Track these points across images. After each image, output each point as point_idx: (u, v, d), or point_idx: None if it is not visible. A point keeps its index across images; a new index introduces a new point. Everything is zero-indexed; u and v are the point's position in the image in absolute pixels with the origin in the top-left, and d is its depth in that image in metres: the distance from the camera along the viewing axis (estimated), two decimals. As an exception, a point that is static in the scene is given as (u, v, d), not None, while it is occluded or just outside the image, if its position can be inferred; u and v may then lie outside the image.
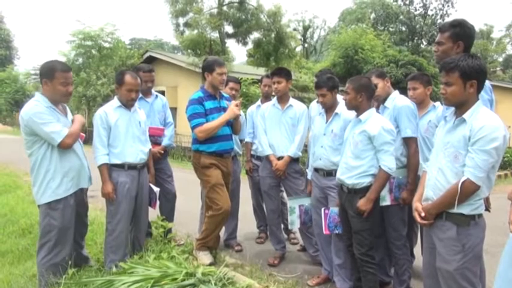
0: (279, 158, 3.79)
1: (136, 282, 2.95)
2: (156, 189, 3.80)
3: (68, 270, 3.15)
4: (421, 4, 25.08)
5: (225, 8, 14.19)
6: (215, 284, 2.98)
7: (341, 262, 3.26)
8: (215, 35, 14.26)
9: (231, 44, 48.18)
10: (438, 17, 24.55)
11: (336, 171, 3.14)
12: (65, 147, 3.06)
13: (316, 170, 3.46)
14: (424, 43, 24.10)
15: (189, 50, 14.13)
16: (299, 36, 30.25)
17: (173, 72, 16.00)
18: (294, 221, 3.73)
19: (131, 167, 3.47)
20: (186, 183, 6.36)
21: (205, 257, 3.65)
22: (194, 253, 3.76)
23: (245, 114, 4.61)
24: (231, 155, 4.02)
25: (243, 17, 14.19)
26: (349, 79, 3.00)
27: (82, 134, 3.45)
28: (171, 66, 16.11)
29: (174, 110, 13.05)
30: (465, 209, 2.15)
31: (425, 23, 24.43)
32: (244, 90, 12.40)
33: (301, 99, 8.63)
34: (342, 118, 3.25)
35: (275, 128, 3.86)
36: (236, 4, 14.14)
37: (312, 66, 20.68)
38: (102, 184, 3.37)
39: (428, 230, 2.37)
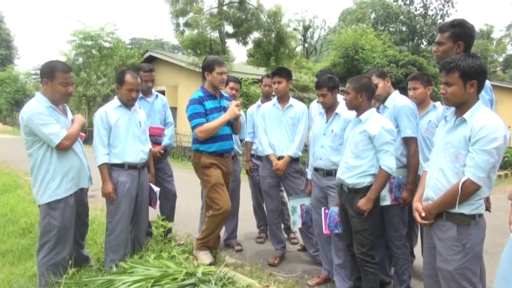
0: (279, 158, 3.79)
1: (137, 281, 2.95)
2: (157, 189, 3.81)
3: (68, 270, 3.16)
4: (422, 4, 25.11)
5: (225, 7, 14.17)
6: (215, 284, 2.99)
7: (341, 262, 3.26)
8: (215, 34, 14.24)
9: (231, 44, 48.17)
10: (438, 17, 24.58)
11: (335, 171, 3.14)
12: (62, 149, 3.06)
13: (316, 169, 3.46)
14: (425, 43, 24.11)
15: (189, 50, 14.10)
16: (299, 36, 30.24)
17: (173, 72, 16.01)
18: (296, 221, 3.73)
19: (131, 166, 3.47)
20: (186, 183, 6.37)
21: (205, 257, 3.65)
22: (194, 253, 3.77)
23: (245, 114, 4.61)
24: (231, 154, 4.02)
25: (243, 16, 14.17)
26: (349, 79, 3.00)
27: (82, 133, 3.45)
28: (171, 66, 16.12)
29: (174, 110, 13.06)
30: (466, 209, 2.15)
31: (426, 23, 24.44)
32: (244, 90, 12.39)
33: (302, 99, 8.63)
34: (342, 118, 3.25)
35: (275, 128, 3.86)
36: (236, 4, 14.12)
37: (312, 66, 20.66)
38: (102, 184, 3.37)
39: (428, 229, 2.37)
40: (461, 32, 2.54)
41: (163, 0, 13.90)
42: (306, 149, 4.06)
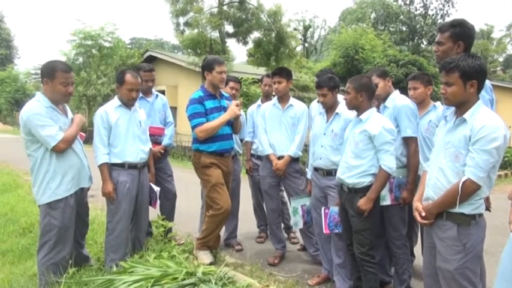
0: (279, 158, 3.79)
1: (137, 281, 2.95)
2: (157, 189, 3.81)
3: (68, 270, 3.16)
4: (422, 4, 25.12)
5: (225, 7, 14.17)
6: (215, 284, 2.99)
7: (341, 262, 3.26)
8: (215, 34, 14.24)
9: (232, 44, 48.19)
10: (439, 16, 24.59)
11: (335, 170, 3.14)
12: (58, 151, 3.05)
13: (316, 169, 3.46)
14: (425, 43, 24.12)
15: (189, 50, 14.10)
16: (299, 36, 30.24)
17: (173, 72, 16.01)
18: (298, 222, 3.73)
19: (131, 166, 3.47)
20: (186, 182, 6.37)
21: (205, 257, 3.65)
22: (194, 252, 3.77)
23: (245, 114, 4.61)
24: (231, 154, 4.02)
25: (244, 16, 14.17)
26: (349, 79, 3.00)
27: (82, 133, 3.46)
28: (172, 66, 16.12)
29: (174, 110, 13.07)
30: (466, 209, 2.15)
31: (426, 22, 24.45)
32: (244, 89, 12.40)
33: (302, 99, 8.63)
34: (343, 118, 3.25)
35: (275, 128, 3.86)
36: (236, 4, 14.11)
37: (313, 66, 20.67)
38: (102, 183, 3.37)
39: (428, 229, 2.37)
40: (461, 32, 2.54)
41: (163, -1, 13.91)
42: (306, 149, 4.06)
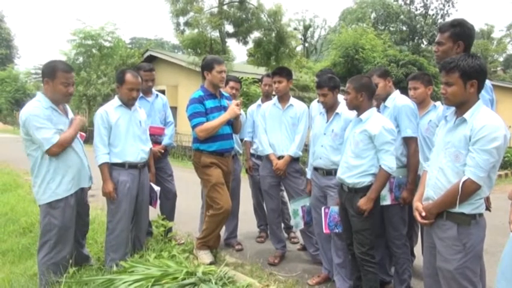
0: (280, 158, 3.80)
1: (137, 281, 2.95)
2: (157, 189, 3.81)
3: (69, 269, 3.16)
4: (422, 4, 25.13)
5: (225, 7, 14.16)
6: (215, 283, 2.99)
7: (340, 261, 3.26)
8: (215, 34, 14.23)
9: (232, 44, 48.19)
10: (439, 16, 24.60)
11: (335, 170, 3.15)
12: (51, 155, 3.05)
13: (315, 169, 3.46)
14: (425, 43, 24.13)
15: (189, 49, 14.09)
16: (299, 36, 30.24)
17: (173, 72, 16.02)
18: (299, 223, 3.74)
19: (132, 166, 3.48)
20: (186, 182, 6.37)
21: (205, 256, 3.65)
22: (195, 252, 3.77)
23: (245, 114, 4.61)
24: (232, 154, 4.02)
25: (244, 16, 14.15)
26: (349, 79, 3.00)
27: (82, 133, 3.46)
28: (172, 66, 16.12)
29: (174, 109, 13.07)
30: (466, 209, 2.15)
31: (426, 22, 24.46)
32: (244, 89, 12.39)
33: (302, 99, 8.65)
34: (343, 118, 3.26)
35: (275, 128, 3.86)
36: (237, 3, 14.10)
37: (313, 65, 20.67)
38: (102, 183, 3.38)
39: (428, 229, 2.37)
40: (461, 32, 2.54)
41: (163, -1, 13.90)
42: (306, 149, 4.06)
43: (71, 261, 3.19)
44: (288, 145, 3.80)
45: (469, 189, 2.11)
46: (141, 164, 3.56)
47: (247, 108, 4.77)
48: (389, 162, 2.82)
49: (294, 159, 3.82)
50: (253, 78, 13.09)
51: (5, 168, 10.04)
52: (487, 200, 2.53)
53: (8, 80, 33.59)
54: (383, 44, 18.64)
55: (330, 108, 3.33)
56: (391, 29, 26.39)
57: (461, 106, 2.21)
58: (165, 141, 4.27)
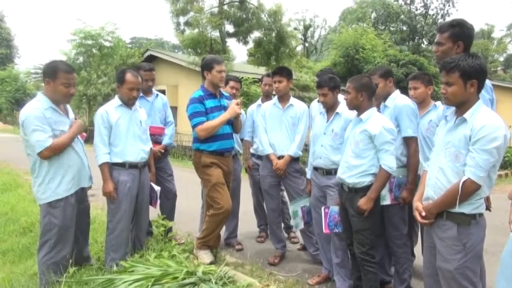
0: (280, 157, 3.80)
1: (137, 280, 2.95)
2: (157, 188, 3.81)
3: (69, 269, 3.16)
4: (422, 4, 25.14)
5: (225, 7, 14.15)
6: (216, 283, 2.99)
7: (339, 261, 3.27)
8: (216, 34, 14.22)
9: (232, 43, 48.17)
10: (439, 16, 24.63)
11: (335, 170, 3.15)
12: (42, 158, 3.03)
13: (315, 168, 3.46)
14: (425, 42, 24.15)
15: (189, 49, 14.09)
16: (300, 36, 30.21)
17: (174, 71, 16.02)
18: (298, 223, 3.74)
19: (132, 166, 3.48)
20: (186, 182, 6.37)
21: (205, 256, 3.65)
22: (195, 252, 3.77)
23: (245, 114, 4.61)
24: (232, 153, 4.02)
25: (244, 16, 14.15)
26: (350, 78, 3.00)
27: (83, 133, 3.46)
28: (172, 65, 16.13)
29: (174, 109, 13.06)
30: (466, 208, 2.15)
31: (426, 22, 24.47)
32: (244, 89, 12.39)
33: (302, 99, 8.64)
34: (343, 118, 3.26)
35: (276, 127, 3.86)
36: (237, 3, 14.10)
37: (313, 65, 20.65)
38: (103, 183, 3.38)
39: (428, 229, 2.37)
40: (461, 32, 2.54)
41: (163, -1, 13.90)
42: (306, 149, 4.06)
43: (71, 260, 3.19)
44: (288, 145, 3.80)
45: (469, 189, 2.11)
46: (142, 163, 3.56)
47: (247, 108, 4.77)
48: (390, 162, 2.82)
49: (294, 159, 3.82)
50: (253, 78, 13.09)
51: (5, 168, 10.04)
52: (487, 199, 2.53)
53: (8, 79, 33.61)
54: (383, 43, 18.64)
55: (330, 108, 3.33)
56: (392, 28, 26.40)
57: (461, 106, 2.21)
58: (165, 141, 4.27)
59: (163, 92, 13.06)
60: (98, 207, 5.44)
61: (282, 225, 4.37)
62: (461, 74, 2.15)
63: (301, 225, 3.75)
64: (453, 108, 2.31)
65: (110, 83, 17.07)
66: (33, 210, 5.56)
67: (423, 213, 2.31)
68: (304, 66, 18.18)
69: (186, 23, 14.08)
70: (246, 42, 14.85)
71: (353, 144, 2.93)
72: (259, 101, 4.58)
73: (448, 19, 17.61)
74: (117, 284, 2.96)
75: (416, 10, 25.68)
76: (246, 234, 4.76)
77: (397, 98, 3.20)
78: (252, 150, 4.55)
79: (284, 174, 3.80)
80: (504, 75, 29.40)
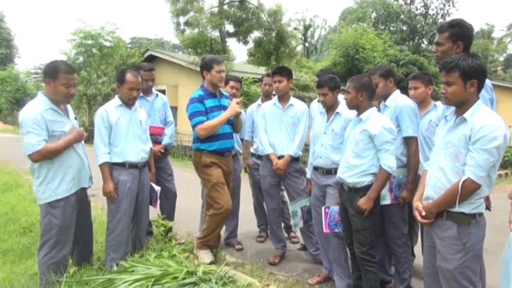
0: (280, 157, 3.80)
1: (137, 280, 2.95)
2: (157, 188, 3.81)
3: (69, 269, 3.16)
4: (422, 3, 25.14)
5: (225, 7, 14.16)
6: (216, 283, 2.99)
7: (338, 260, 3.27)
8: (216, 34, 14.23)
9: (232, 43, 48.15)
10: (439, 16, 24.63)
11: (335, 169, 3.15)
12: (32, 160, 3.02)
13: (315, 168, 3.46)
14: (425, 42, 24.15)
15: (189, 49, 14.10)
16: (300, 36, 30.20)
17: (174, 71, 16.02)
18: (298, 223, 3.75)
19: (132, 165, 3.48)
20: (186, 182, 6.37)
21: (206, 256, 3.65)
22: (195, 252, 3.77)
23: (245, 114, 4.61)
24: (232, 153, 4.02)
25: (244, 16, 14.15)
26: (350, 78, 3.01)
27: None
28: (172, 65, 16.13)
29: (174, 109, 13.07)
30: (466, 208, 2.15)
31: (426, 22, 24.47)
32: (244, 89, 12.40)
33: (302, 99, 8.63)
34: (343, 117, 3.26)
35: (276, 127, 3.86)
36: (237, 3, 14.10)
37: (313, 65, 20.65)
38: (103, 183, 3.38)
39: (428, 229, 2.37)
40: (460, 32, 2.54)
41: (163, -1, 13.90)
42: (306, 149, 4.06)
43: (70, 260, 3.19)
44: (288, 145, 3.80)
45: (468, 189, 2.11)
46: (142, 163, 3.56)
47: (247, 108, 4.77)
48: (390, 162, 2.82)
49: (294, 159, 3.82)
50: (253, 78, 13.09)
51: (5, 168, 10.05)
52: (487, 199, 2.53)
53: (8, 79, 33.63)
54: (383, 43, 18.64)
55: (330, 108, 3.33)
56: (392, 28, 26.40)
57: (461, 106, 2.21)
58: (165, 140, 4.28)
59: (163, 92, 13.07)
60: (98, 207, 5.43)
61: (282, 225, 4.37)
62: (461, 73, 2.15)
63: (301, 225, 3.76)
64: (453, 108, 2.31)
65: (110, 82, 17.08)
66: (33, 210, 5.56)
67: (423, 213, 2.31)
68: (304, 66, 18.18)
69: (186, 23, 14.08)
70: (246, 42, 14.85)
71: (353, 144, 2.93)
72: (259, 101, 4.59)
73: (448, 19, 17.64)
74: (117, 284, 2.96)
75: (417, 10, 25.70)
76: (246, 234, 4.76)
77: (397, 98, 3.20)
78: (252, 150, 4.55)
79: (284, 174, 3.80)
80: (504, 75, 29.39)
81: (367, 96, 2.91)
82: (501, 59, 36.60)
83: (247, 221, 4.88)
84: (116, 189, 3.39)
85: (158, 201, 3.93)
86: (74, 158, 3.21)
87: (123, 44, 20.35)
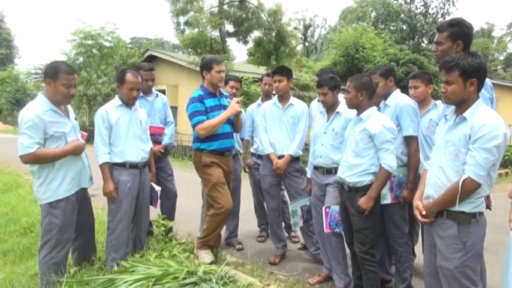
0: (280, 157, 3.80)
1: (138, 280, 2.96)
2: (158, 188, 3.81)
3: (70, 269, 3.16)
4: (422, 2, 25.12)
5: (225, 6, 14.15)
6: (216, 283, 2.99)
7: (336, 258, 3.28)
8: (216, 33, 14.22)
9: (232, 43, 48.10)
10: (439, 15, 24.60)
11: (335, 169, 3.15)
12: (22, 161, 3.01)
13: (316, 168, 3.47)
14: (425, 41, 24.13)
15: (189, 49, 14.09)
16: (300, 35, 30.18)
17: (174, 71, 16.02)
18: (297, 222, 3.75)
19: (132, 166, 3.48)
20: (186, 182, 6.37)
21: (206, 256, 3.65)
22: (195, 252, 3.77)
23: (245, 113, 4.61)
24: (232, 153, 4.02)
25: (244, 15, 14.15)
26: (350, 78, 3.01)
27: (84, 132, 3.46)
28: (172, 65, 16.12)
29: (174, 109, 13.07)
30: (466, 207, 2.16)
31: (426, 21, 24.45)
32: (244, 89, 12.39)
33: (302, 98, 8.63)
34: (343, 117, 3.26)
35: (276, 127, 3.86)
36: (237, 3, 14.10)
37: (313, 65, 20.62)
38: (103, 183, 3.38)
39: (429, 228, 2.37)
40: (460, 31, 2.55)
41: (163, -1, 13.90)
42: (306, 148, 4.06)
43: (71, 260, 3.19)
44: (288, 144, 3.80)
45: (468, 188, 2.11)
46: (142, 163, 3.56)
47: (247, 108, 4.77)
48: (390, 161, 2.82)
49: (295, 159, 3.82)
50: (253, 78, 13.09)
51: (5, 168, 10.05)
52: (488, 198, 2.53)
53: (8, 80, 33.63)
54: (383, 43, 18.61)
55: (331, 108, 3.33)
56: (392, 28, 26.38)
57: (461, 105, 2.21)
58: (165, 140, 4.28)
59: (163, 91, 13.07)
60: (99, 207, 5.43)
61: (283, 224, 4.37)
62: (461, 72, 2.15)
63: (301, 224, 3.76)
64: (453, 107, 2.31)
65: (110, 83, 17.08)
66: (33, 210, 5.56)
67: (423, 212, 2.31)
68: (304, 66, 18.16)
69: (186, 23, 14.08)
70: (246, 42, 14.85)
71: (353, 143, 2.93)
72: (259, 101, 4.59)
73: (448, 18, 17.63)
74: (117, 284, 2.96)
75: (417, 9, 25.66)
76: (246, 234, 4.77)
77: (398, 97, 3.20)
78: (252, 150, 4.56)
79: (284, 173, 3.80)
80: (504, 74, 29.39)
81: (367, 96, 2.91)
82: (501, 58, 36.59)
83: (248, 220, 4.89)
84: (116, 189, 3.39)
85: (159, 201, 3.94)
86: (74, 158, 3.21)
87: (123, 44, 20.35)
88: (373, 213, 2.88)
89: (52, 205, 3.10)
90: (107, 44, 18.84)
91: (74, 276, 3.16)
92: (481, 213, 2.21)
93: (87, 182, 3.37)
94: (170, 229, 4.06)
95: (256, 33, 14.56)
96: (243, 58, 27.50)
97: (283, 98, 3.88)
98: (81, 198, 3.32)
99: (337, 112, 3.30)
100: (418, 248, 3.56)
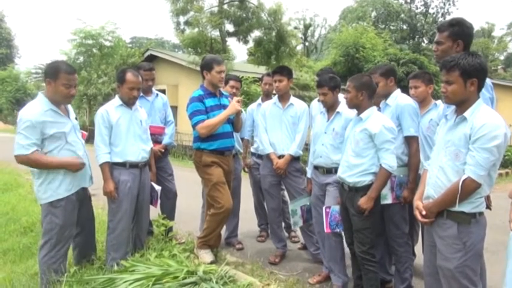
0: (280, 157, 3.80)
1: (138, 280, 2.96)
2: (158, 188, 3.81)
3: (70, 269, 3.16)
4: (422, 2, 25.11)
5: (225, 6, 14.15)
6: (216, 282, 3.00)
7: (334, 257, 3.28)
8: (216, 33, 14.21)
9: (232, 43, 48.04)
10: (439, 15, 24.58)
11: (335, 169, 3.15)
12: (17, 161, 3.02)
13: (316, 167, 3.47)
14: (425, 41, 24.12)
15: (189, 49, 14.09)
16: (300, 35, 30.17)
17: (174, 71, 16.02)
18: (297, 222, 3.75)
19: (133, 165, 3.48)
20: (186, 181, 6.37)
21: (206, 255, 3.65)
22: (195, 251, 3.77)
23: (245, 113, 4.61)
24: (232, 153, 4.02)
25: (244, 15, 14.14)
26: (350, 77, 3.00)
27: (84, 132, 3.46)
28: (172, 65, 16.12)
29: (174, 109, 13.07)
30: (466, 207, 2.15)
31: (427, 21, 24.44)
32: (245, 88, 12.39)
33: (302, 98, 8.63)
34: (343, 117, 3.26)
35: (276, 127, 3.86)
36: (237, 2, 14.09)
37: (313, 64, 20.61)
38: (103, 182, 3.38)
39: (429, 228, 2.37)
40: (460, 31, 2.54)
41: (163, -2, 13.90)
42: (306, 148, 4.06)
43: (71, 259, 3.19)
44: (289, 144, 3.80)
45: (469, 188, 2.11)
46: (142, 163, 3.56)
47: (247, 107, 4.77)
48: (390, 161, 2.82)
49: (295, 158, 3.82)
50: (253, 78, 13.09)
51: (6, 168, 10.04)
52: (488, 198, 2.53)
53: (8, 79, 33.66)
54: (383, 42, 18.60)
55: (331, 107, 3.33)
56: (392, 27, 26.38)
57: (461, 104, 2.21)
58: (166, 140, 4.28)
59: (163, 91, 13.08)
60: (99, 207, 5.44)
61: (283, 224, 4.37)
62: (462, 72, 2.14)
63: (300, 223, 3.76)
64: (453, 107, 2.31)
65: (110, 82, 17.09)
66: (34, 209, 5.56)
67: (423, 212, 2.31)
68: (305, 66, 18.15)
69: (186, 23, 14.07)
70: (246, 42, 14.85)
71: (353, 143, 2.93)
72: (259, 100, 4.59)
73: (448, 18, 17.61)
74: (117, 284, 2.96)
75: (417, 9, 25.65)
76: (246, 234, 4.77)
77: (398, 97, 3.20)
78: (252, 150, 4.56)
79: (284, 173, 3.80)
80: (504, 74, 29.39)
81: (367, 96, 2.91)
82: (501, 57, 36.60)
83: (248, 220, 4.89)
84: (116, 189, 3.39)
85: (159, 201, 3.94)
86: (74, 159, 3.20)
87: (123, 43, 20.36)
88: (373, 213, 2.88)
89: (52, 204, 3.10)
90: (107, 43, 18.86)
91: (74, 276, 3.16)
92: (481, 214, 2.21)
93: (87, 182, 3.37)
94: (170, 229, 4.07)
95: (256, 33, 14.57)
96: (243, 58, 27.53)
97: (283, 97, 3.88)
98: (82, 197, 3.32)
99: (338, 112, 3.30)
100: (418, 248, 3.56)
